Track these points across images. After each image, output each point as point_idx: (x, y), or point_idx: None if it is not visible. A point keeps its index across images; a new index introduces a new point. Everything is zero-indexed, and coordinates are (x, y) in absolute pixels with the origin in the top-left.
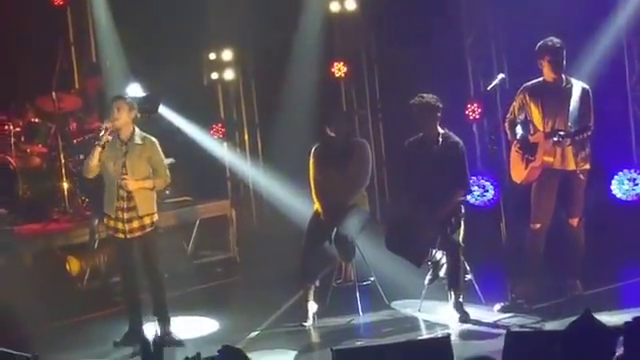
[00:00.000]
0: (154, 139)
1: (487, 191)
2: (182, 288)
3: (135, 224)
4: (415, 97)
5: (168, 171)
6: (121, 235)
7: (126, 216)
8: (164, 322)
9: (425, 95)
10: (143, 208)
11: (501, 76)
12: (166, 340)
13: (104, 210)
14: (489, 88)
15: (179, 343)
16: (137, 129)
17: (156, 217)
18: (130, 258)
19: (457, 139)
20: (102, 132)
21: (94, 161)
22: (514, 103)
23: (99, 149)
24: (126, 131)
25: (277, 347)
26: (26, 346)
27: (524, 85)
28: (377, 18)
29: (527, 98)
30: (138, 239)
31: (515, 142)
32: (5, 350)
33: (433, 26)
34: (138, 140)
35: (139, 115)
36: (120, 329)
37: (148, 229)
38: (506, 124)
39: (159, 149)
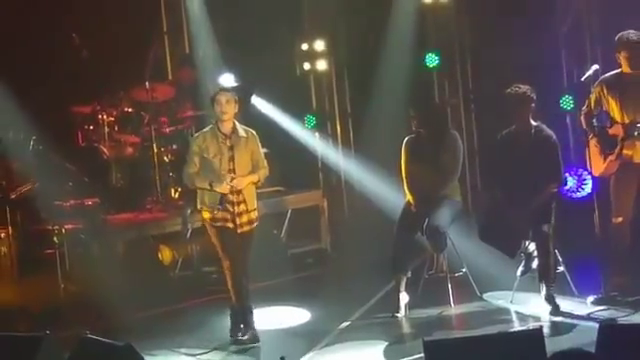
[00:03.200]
0: (254, 132)
1: (586, 183)
2: (274, 278)
3: (244, 218)
4: (510, 87)
5: (266, 163)
6: (230, 225)
7: (236, 210)
8: (248, 313)
9: (521, 86)
10: (251, 202)
11: (595, 67)
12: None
13: (207, 204)
14: (583, 79)
15: (254, 339)
16: (237, 122)
17: (257, 213)
18: (238, 249)
19: (550, 132)
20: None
21: (200, 186)
22: (591, 96)
23: (207, 183)
24: (229, 124)
25: (368, 338)
26: (118, 334)
27: (601, 77)
28: (470, 8)
29: (605, 91)
30: (246, 232)
31: (592, 135)
32: (98, 338)
33: (526, 16)
34: (242, 133)
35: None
36: (212, 319)
37: (255, 223)
38: (582, 117)
39: (259, 142)
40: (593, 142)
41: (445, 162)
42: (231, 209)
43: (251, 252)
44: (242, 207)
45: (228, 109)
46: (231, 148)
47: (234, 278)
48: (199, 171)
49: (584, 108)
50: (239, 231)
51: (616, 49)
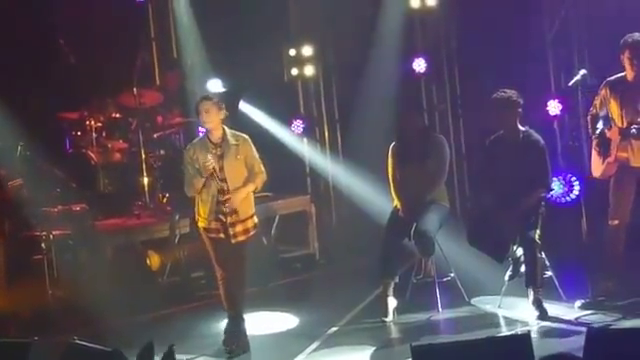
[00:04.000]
0: (246, 136)
1: (573, 188)
2: (261, 283)
3: (239, 228)
4: (497, 92)
5: (263, 167)
6: (222, 236)
7: (229, 220)
8: (239, 319)
9: (507, 90)
10: (244, 211)
11: (583, 72)
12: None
13: (200, 214)
14: (570, 84)
15: (245, 348)
16: (227, 128)
17: (256, 219)
18: (231, 260)
19: (538, 137)
20: (206, 164)
21: (196, 186)
22: (597, 98)
23: (202, 179)
24: (217, 132)
25: (356, 343)
26: (107, 340)
27: (607, 79)
28: (457, 13)
29: (608, 93)
30: (240, 242)
31: (594, 137)
32: (86, 344)
33: (514, 21)
34: (232, 140)
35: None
36: (200, 324)
37: (252, 232)
38: (588, 118)
39: (252, 146)
40: (595, 144)
41: (432, 167)
42: (223, 219)
43: (246, 261)
44: (234, 217)
45: (208, 118)
46: (221, 157)
47: (227, 288)
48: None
49: (591, 109)
50: (233, 241)
51: (620, 51)
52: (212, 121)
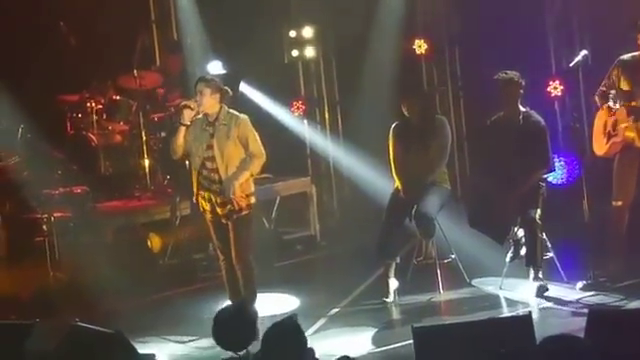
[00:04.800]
0: (243, 116)
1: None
2: (262, 265)
3: (230, 207)
4: (498, 73)
5: (262, 148)
6: (217, 218)
7: (219, 200)
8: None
9: (508, 71)
10: (233, 189)
11: (584, 52)
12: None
13: (194, 193)
14: (571, 65)
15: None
16: (225, 108)
17: (253, 199)
18: (225, 240)
19: (539, 118)
20: (183, 111)
21: (178, 141)
22: (608, 75)
23: (183, 128)
24: (212, 112)
25: (357, 324)
26: (108, 322)
27: (620, 57)
28: None
29: (619, 71)
30: (233, 221)
31: (599, 113)
32: (88, 326)
33: (515, 1)
34: (223, 120)
35: (230, 93)
36: (202, 306)
37: (244, 212)
38: (597, 95)
39: (249, 126)
40: (599, 121)
41: (433, 148)
42: (214, 199)
43: (246, 241)
44: (223, 197)
45: (201, 100)
46: (212, 135)
47: (225, 271)
48: (184, 146)
49: (601, 86)
50: (224, 221)
51: (637, 31)
52: (203, 103)
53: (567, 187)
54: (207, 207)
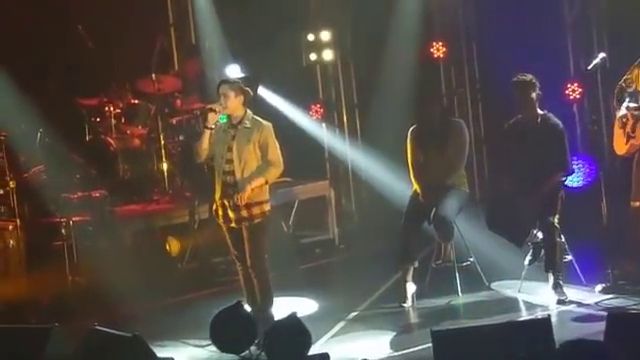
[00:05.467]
0: (267, 123)
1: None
2: (281, 269)
3: (243, 213)
4: (515, 76)
5: (281, 158)
6: (231, 224)
7: (231, 203)
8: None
9: (526, 74)
10: (250, 196)
11: (602, 55)
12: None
13: (214, 196)
14: (590, 67)
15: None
16: (249, 112)
17: (268, 207)
18: (239, 246)
19: (557, 121)
20: (208, 114)
21: (203, 144)
22: (627, 73)
23: (208, 132)
24: (236, 115)
25: (376, 328)
26: (127, 326)
27: None
28: None
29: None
30: (247, 228)
31: (619, 114)
32: (107, 329)
33: (532, 4)
34: (247, 124)
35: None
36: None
37: (257, 220)
38: (615, 91)
39: (271, 134)
40: (617, 122)
41: (451, 151)
42: (227, 203)
43: (260, 248)
44: (235, 202)
45: (225, 102)
46: (233, 138)
47: (242, 277)
48: (209, 149)
49: (619, 82)
50: (237, 226)
51: None
52: (228, 106)
53: (585, 190)
54: (221, 212)
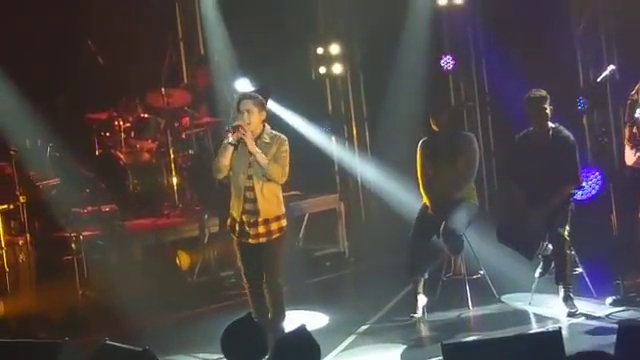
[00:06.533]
0: (284, 137)
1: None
2: (291, 282)
3: (261, 229)
4: (528, 91)
5: (287, 169)
6: (248, 240)
7: (251, 219)
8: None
9: (538, 89)
10: (265, 211)
11: (611, 67)
12: None
13: (233, 208)
14: (599, 80)
15: None
16: (267, 127)
17: (285, 222)
18: (252, 262)
19: (568, 133)
20: (233, 131)
21: (225, 161)
22: (638, 85)
23: (231, 148)
24: (256, 130)
25: (386, 341)
26: (137, 340)
27: None
28: (485, 10)
29: None
30: (264, 244)
31: (628, 125)
32: (117, 344)
33: (541, 17)
34: (267, 139)
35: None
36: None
37: (275, 235)
38: (628, 103)
39: (286, 147)
40: (627, 132)
41: (461, 165)
42: (246, 219)
43: (277, 264)
44: (257, 217)
45: (249, 118)
46: (252, 154)
47: (249, 293)
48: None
49: (632, 94)
50: (253, 242)
51: None
52: (253, 122)
53: (592, 201)
54: (238, 228)
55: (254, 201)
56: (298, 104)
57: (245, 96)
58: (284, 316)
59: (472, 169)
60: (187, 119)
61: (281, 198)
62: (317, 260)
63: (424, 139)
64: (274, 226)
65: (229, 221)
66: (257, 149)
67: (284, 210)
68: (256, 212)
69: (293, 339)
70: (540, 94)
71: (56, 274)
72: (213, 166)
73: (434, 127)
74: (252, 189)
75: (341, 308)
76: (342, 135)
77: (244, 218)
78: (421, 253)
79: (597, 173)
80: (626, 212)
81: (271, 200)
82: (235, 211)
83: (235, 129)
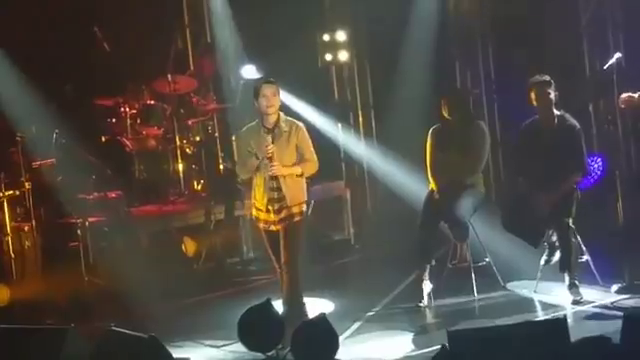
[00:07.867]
0: (301, 124)
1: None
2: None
3: (284, 214)
4: (532, 77)
5: (315, 156)
6: (272, 228)
7: (276, 207)
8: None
9: (542, 75)
10: (291, 197)
11: (617, 55)
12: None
13: (256, 198)
14: (605, 67)
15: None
16: (282, 114)
17: (304, 207)
18: (278, 248)
19: (574, 121)
20: (269, 150)
21: (250, 172)
22: None
23: (256, 161)
24: (272, 118)
25: (392, 328)
26: (143, 327)
27: None
28: None
29: None
30: (285, 227)
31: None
32: (123, 330)
33: (548, 4)
34: (284, 127)
35: None
36: (236, 310)
37: (296, 218)
38: (637, 94)
39: (306, 134)
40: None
41: (472, 153)
42: (271, 207)
43: (296, 246)
44: (282, 203)
45: (275, 102)
46: (272, 142)
47: (281, 279)
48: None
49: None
50: (275, 228)
51: None
52: (275, 105)
53: (596, 188)
54: (263, 216)
55: (279, 189)
56: (304, 91)
57: (267, 81)
58: (301, 299)
59: (482, 158)
60: (196, 99)
61: (304, 184)
62: (323, 247)
63: (435, 126)
64: (296, 209)
65: (253, 211)
66: (287, 170)
67: (306, 197)
68: (282, 199)
69: (313, 327)
70: (544, 79)
71: (62, 260)
72: (238, 171)
73: (446, 112)
74: (276, 177)
75: (347, 295)
76: (348, 122)
77: (270, 207)
78: (428, 239)
79: (598, 159)
80: (633, 200)
81: (295, 187)
82: (259, 201)
83: (264, 159)
